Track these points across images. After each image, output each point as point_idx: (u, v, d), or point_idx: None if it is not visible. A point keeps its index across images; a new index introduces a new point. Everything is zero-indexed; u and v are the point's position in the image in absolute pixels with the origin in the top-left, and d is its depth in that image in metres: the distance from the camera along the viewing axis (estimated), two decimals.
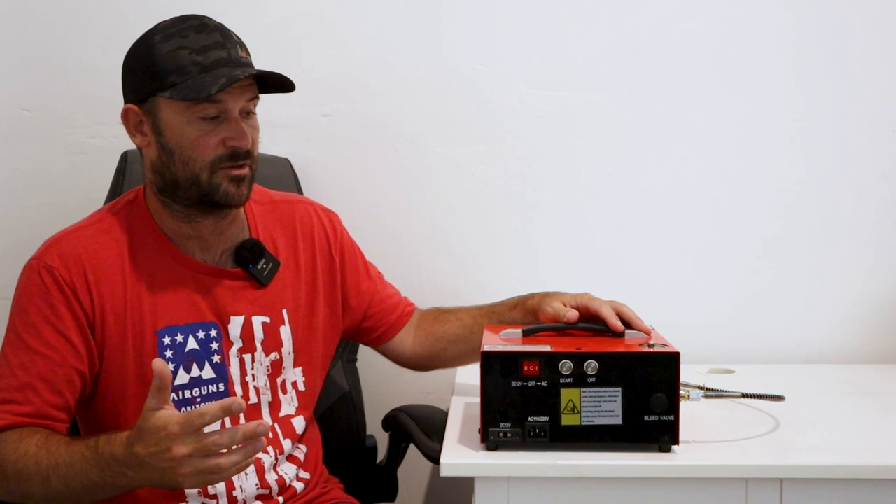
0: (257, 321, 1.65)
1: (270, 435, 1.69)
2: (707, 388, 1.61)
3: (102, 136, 2.19)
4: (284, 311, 1.68)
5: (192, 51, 1.51)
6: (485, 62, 2.20)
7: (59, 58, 2.20)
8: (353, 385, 2.02)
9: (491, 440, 1.44)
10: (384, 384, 2.15)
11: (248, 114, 1.58)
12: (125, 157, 1.98)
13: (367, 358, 1.95)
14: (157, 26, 1.57)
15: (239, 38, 1.58)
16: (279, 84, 1.59)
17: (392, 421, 1.93)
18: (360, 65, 2.20)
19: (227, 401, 1.31)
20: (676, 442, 1.43)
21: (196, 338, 1.60)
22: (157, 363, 1.34)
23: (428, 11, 2.19)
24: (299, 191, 2.08)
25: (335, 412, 1.89)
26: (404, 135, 2.22)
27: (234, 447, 1.33)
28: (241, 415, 1.62)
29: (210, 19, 1.56)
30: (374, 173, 2.22)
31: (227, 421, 1.44)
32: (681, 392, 1.45)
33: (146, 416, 1.34)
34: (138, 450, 1.34)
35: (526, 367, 1.43)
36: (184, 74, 1.51)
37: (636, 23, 2.18)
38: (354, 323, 1.81)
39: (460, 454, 1.45)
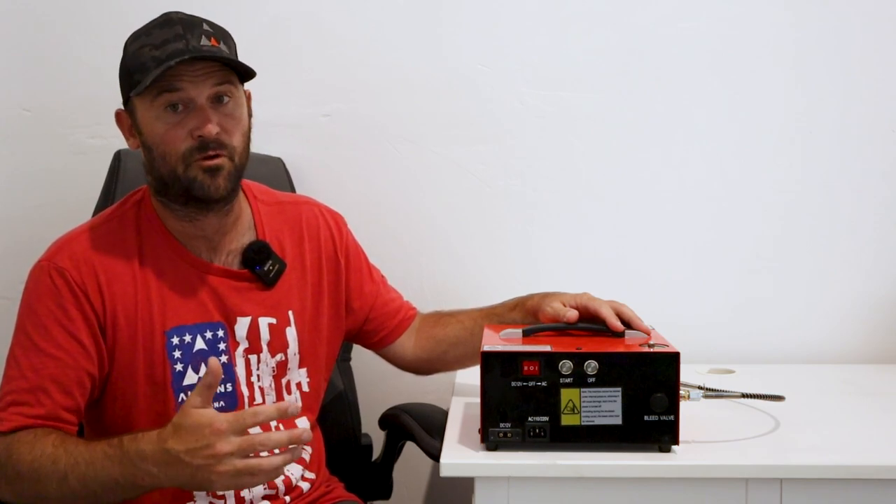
0: (263, 322, 1.65)
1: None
2: (707, 388, 1.61)
3: (102, 136, 2.18)
4: (290, 313, 1.68)
5: (153, 46, 1.51)
6: (485, 62, 2.20)
7: (59, 58, 2.20)
8: (347, 384, 2.03)
9: (491, 440, 1.44)
10: (383, 384, 2.15)
11: (222, 102, 1.55)
12: (118, 157, 1.98)
13: (366, 358, 1.95)
14: (135, 30, 1.58)
15: (213, 28, 1.56)
16: (246, 69, 1.56)
17: (391, 419, 1.93)
18: (360, 65, 2.20)
19: (283, 403, 1.32)
20: (676, 442, 1.43)
21: (204, 338, 1.60)
22: (213, 361, 1.35)
23: (428, 11, 2.19)
24: (292, 190, 2.08)
25: (330, 411, 1.89)
26: (404, 135, 2.22)
27: (276, 451, 1.33)
28: None
29: (178, 13, 1.56)
30: (374, 173, 2.22)
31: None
32: (681, 392, 1.45)
33: (188, 412, 1.33)
34: (173, 445, 1.33)
35: (526, 367, 1.43)
36: (144, 71, 1.51)
37: (636, 23, 2.18)
38: (356, 326, 1.81)
39: (460, 454, 1.45)
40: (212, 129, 1.52)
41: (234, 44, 1.61)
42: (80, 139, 2.21)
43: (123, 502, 1.51)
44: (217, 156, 1.53)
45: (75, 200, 2.10)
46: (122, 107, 1.61)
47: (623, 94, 2.19)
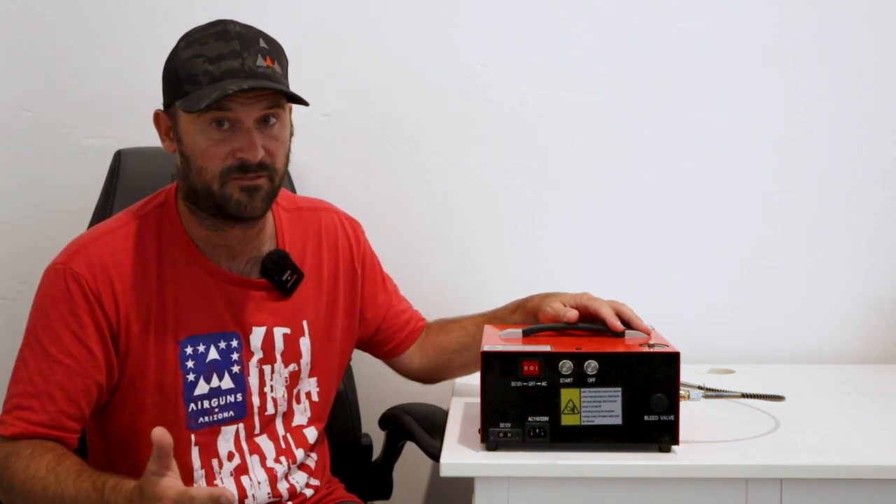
0: (278, 332, 1.64)
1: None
2: (707, 388, 1.61)
3: (102, 136, 2.18)
4: (305, 323, 1.67)
5: (207, 59, 1.48)
6: (485, 62, 2.20)
7: (59, 58, 2.20)
8: (347, 384, 2.02)
9: (491, 440, 1.44)
10: (383, 384, 2.15)
11: (268, 123, 1.52)
12: (118, 157, 1.97)
13: (366, 358, 1.95)
14: (188, 31, 1.54)
15: (268, 45, 1.53)
16: (301, 101, 1.53)
17: (391, 419, 1.93)
18: (360, 65, 2.20)
19: (216, 491, 1.29)
20: (676, 442, 1.43)
21: (217, 348, 1.59)
22: (157, 432, 1.31)
23: (428, 11, 2.19)
24: (292, 191, 2.08)
25: (330, 411, 1.89)
26: (404, 135, 2.22)
27: None
28: (258, 423, 1.63)
29: (236, 25, 1.52)
30: (374, 173, 2.22)
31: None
32: (681, 392, 1.45)
33: (147, 479, 1.31)
34: None
35: (526, 367, 1.43)
36: (195, 84, 1.48)
37: (636, 23, 2.18)
38: (366, 336, 1.80)
39: (460, 454, 1.45)
40: (257, 155, 1.50)
41: (287, 60, 1.58)
42: (80, 139, 2.21)
43: None
44: (258, 177, 1.52)
45: (75, 201, 2.10)
46: (159, 107, 1.57)
47: (623, 94, 2.19)
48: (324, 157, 2.21)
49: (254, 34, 1.53)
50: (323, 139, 2.21)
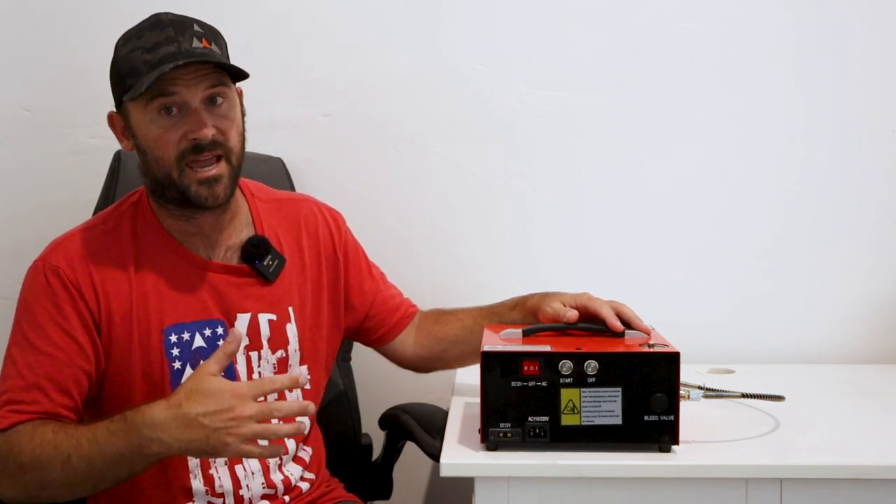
0: (263, 318, 1.64)
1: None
2: (707, 388, 1.61)
3: (102, 136, 2.18)
4: (290, 309, 1.68)
5: (145, 50, 1.51)
6: (485, 62, 2.20)
7: (59, 58, 2.20)
8: (347, 384, 2.03)
9: (491, 440, 1.44)
10: (383, 384, 2.15)
11: (216, 103, 1.54)
12: (118, 157, 1.97)
13: (366, 358, 1.95)
14: (125, 31, 1.57)
15: (203, 28, 1.55)
16: (238, 71, 1.55)
17: (391, 419, 1.93)
18: (360, 65, 2.20)
19: (295, 374, 1.36)
20: (676, 442, 1.43)
21: (203, 335, 1.59)
22: (236, 328, 1.39)
23: (428, 11, 2.19)
24: (292, 190, 2.08)
25: (330, 411, 1.89)
26: (404, 135, 2.22)
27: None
28: None
29: (168, 14, 1.55)
30: (375, 173, 2.22)
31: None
32: (681, 392, 1.45)
33: (204, 378, 1.37)
34: (190, 408, 1.35)
35: (526, 367, 1.43)
36: (137, 75, 1.51)
37: (636, 23, 2.18)
38: (356, 323, 1.81)
39: (460, 454, 1.45)
40: (207, 133, 1.52)
41: (225, 42, 1.60)
42: (80, 139, 2.21)
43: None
44: (218, 157, 1.53)
45: (75, 200, 2.10)
46: (114, 109, 1.60)
47: (623, 94, 2.19)
48: (324, 157, 2.21)
49: (188, 20, 1.55)
50: (323, 139, 2.21)
